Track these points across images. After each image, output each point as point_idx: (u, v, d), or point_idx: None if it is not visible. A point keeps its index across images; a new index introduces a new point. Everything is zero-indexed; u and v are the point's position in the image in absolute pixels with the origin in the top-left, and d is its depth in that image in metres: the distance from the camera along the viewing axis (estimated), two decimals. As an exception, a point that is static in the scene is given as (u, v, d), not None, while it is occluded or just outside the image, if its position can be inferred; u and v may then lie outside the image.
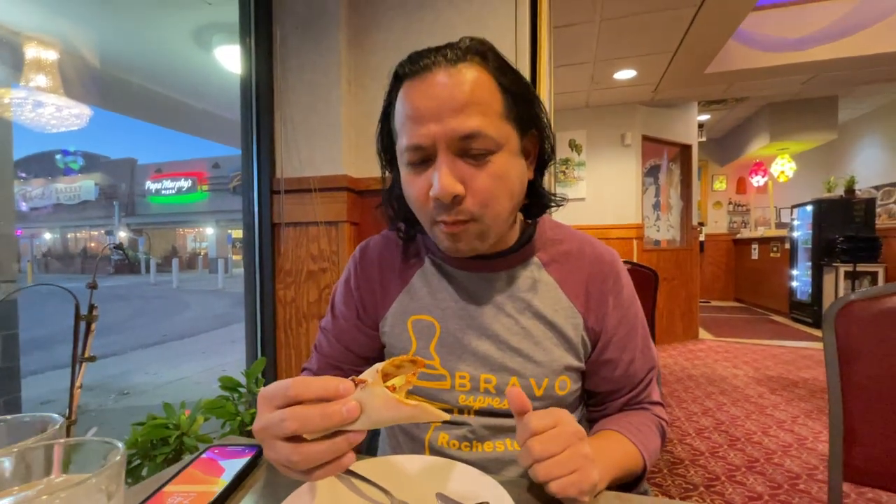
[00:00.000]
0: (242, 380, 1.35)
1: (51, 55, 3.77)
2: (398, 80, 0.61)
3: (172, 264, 15.49)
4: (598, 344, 0.68)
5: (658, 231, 5.29)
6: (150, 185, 26.67)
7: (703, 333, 5.40)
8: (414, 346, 0.68)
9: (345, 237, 1.47)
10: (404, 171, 0.61)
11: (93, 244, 30.30)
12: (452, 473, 0.52)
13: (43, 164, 27.17)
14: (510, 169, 0.59)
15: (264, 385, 1.29)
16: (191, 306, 9.99)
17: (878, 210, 6.13)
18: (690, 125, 5.10)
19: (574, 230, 0.75)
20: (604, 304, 0.67)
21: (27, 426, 0.35)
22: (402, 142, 0.59)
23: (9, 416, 0.33)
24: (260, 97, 1.50)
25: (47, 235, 30.21)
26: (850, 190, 5.66)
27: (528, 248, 0.69)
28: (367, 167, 1.52)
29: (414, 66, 0.58)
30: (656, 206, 5.39)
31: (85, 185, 27.58)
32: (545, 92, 1.51)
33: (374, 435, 0.83)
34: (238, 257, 27.94)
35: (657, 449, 0.67)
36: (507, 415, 0.65)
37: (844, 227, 5.39)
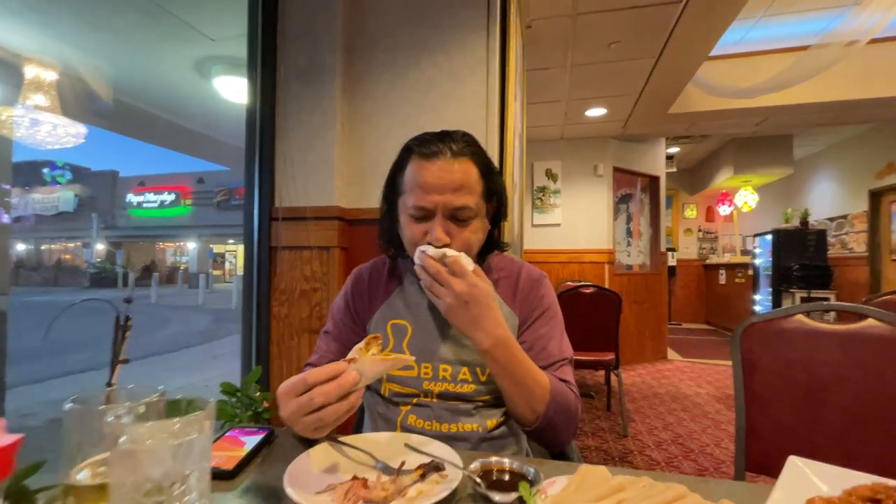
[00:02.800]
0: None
1: (49, 76, 3.91)
2: (408, 151, 0.88)
3: (152, 279, 15.26)
4: (520, 328, 0.93)
5: (629, 256, 5.59)
6: (132, 198, 26.30)
7: (671, 354, 5.67)
8: (392, 343, 0.90)
9: (335, 260, 1.67)
10: (406, 219, 0.88)
11: (68, 256, 29.51)
12: (417, 440, 0.71)
13: (21, 175, 26.58)
14: (480, 228, 0.89)
15: (260, 391, 1.47)
16: (171, 322, 9.89)
17: (832, 240, 6.59)
18: (658, 158, 5.48)
19: (516, 260, 1.04)
20: (529, 305, 0.95)
21: (134, 393, 0.53)
22: (410, 201, 0.85)
23: (131, 385, 0.51)
24: (263, 135, 1.70)
25: (20, 246, 29.31)
26: (804, 221, 6.10)
27: None
28: (357, 199, 1.73)
29: (426, 150, 0.85)
30: (628, 233, 5.71)
31: (64, 197, 27.02)
32: (511, 135, 1.75)
33: (359, 421, 1.03)
34: (219, 272, 27.55)
35: (565, 396, 0.84)
36: (461, 398, 0.88)
37: (800, 256, 5.80)
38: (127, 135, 4.98)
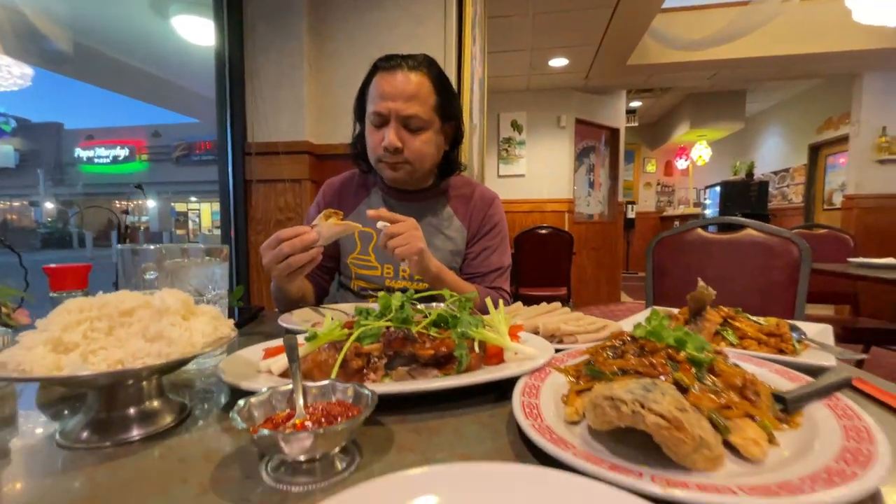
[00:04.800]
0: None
1: (-14, 11, 3.66)
2: (374, 69, 1.02)
3: (112, 237, 14.71)
4: (468, 241, 1.12)
5: (588, 206, 5.91)
6: (81, 153, 24.62)
7: (624, 297, 6.15)
8: (358, 247, 1.09)
9: (307, 192, 1.82)
10: (369, 128, 1.03)
11: (13, 216, 27.70)
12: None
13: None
14: (432, 140, 1.03)
15: (242, 306, 1.66)
16: (136, 278, 9.70)
17: (774, 192, 7.11)
18: (619, 111, 5.69)
19: (472, 181, 1.20)
20: (479, 220, 1.13)
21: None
22: (371, 108, 1.00)
23: (159, 245, 0.69)
24: (233, 74, 1.78)
25: (-44, 205, 27.20)
26: (749, 173, 6.54)
27: (440, 190, 1.14)
28: (325, 135, 1.86)
29: (387, 64, 1.00)
30: (590, 184, 5.99)
31: (2, 151, 24.99)
32: (468, 76, 1.90)
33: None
34: (182, 232, 26.65)
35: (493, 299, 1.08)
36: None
37: (744, 206, 6.27)
38: (76, 78, 4.73)
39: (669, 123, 7.94)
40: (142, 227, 25.88)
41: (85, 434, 0.40)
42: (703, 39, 3.73)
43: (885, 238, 4.53)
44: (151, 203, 25.46)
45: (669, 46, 4.05)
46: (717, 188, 6.64)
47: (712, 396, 0.36)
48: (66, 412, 0.48)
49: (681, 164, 8.72)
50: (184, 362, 0.42)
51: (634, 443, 0.35)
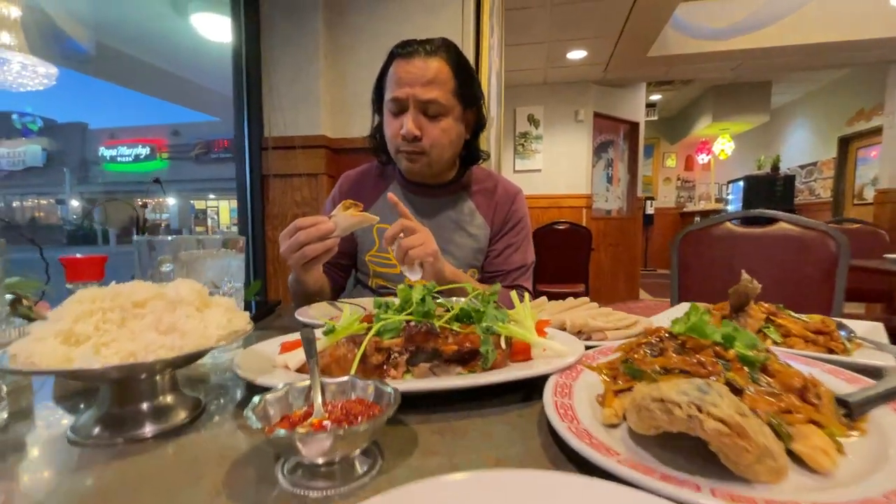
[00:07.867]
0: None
1: (13, 12, 3.74)
2: (392, 56, 0.99)
3: (134, 235, 15.07)
4: (491, 238, 1.07)
5: (607, 202, 5.80)
6: (105, 152, 25.22)
7: (643, 294, 6.03)
8: (377, 244, 1.06)
9: (323, 187, 1.80)
10: (386, 115, 1.00)
11: (40, 213, 28.61)
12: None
13: (-19, 126, 25.08)
14: (452, 128, 0.99)
15: (258, 300, 1.65)
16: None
17: (801, 187, 6.88)
18: (638, 104, 5.56)
19: (495, 174, 1.16)
20: (502, 217, 1.10)
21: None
22: (388, 95, 0.97)
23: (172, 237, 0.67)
24: (249, 68, 1.77)
25: (-11, 204, 28.15)
26: (775, 167, 6.34)
27: (461, 185, 1.10)
28: (342, 129, 1.84)
29: (404, 50, 0.96)
30: (608, 179, 5.88)
31: (31, 150, 25.67)
32: (486, 67, 1.86)
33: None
34: (201, 229, 27.16)
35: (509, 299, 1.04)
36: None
37: (768, 201, 6.09)
38: (99, 77, 4.81)
39: (690, 116, 7.74)
40: (162, 224, 26.45)
41: (97, 430, 0.38)
42: (727, 28, 3.61)
43: (920, 234, 4.33)
44: (171, 200, 26.01)
45: (692, 36, 3.93)
46: (741, 183, 6.45)
47: (770, 399, 0.33)
48: (81, 406, 0.47)
49: (702, 158, 8.50)
50: (198, 356, 0.41)
51: (681, 449, 0.32)
